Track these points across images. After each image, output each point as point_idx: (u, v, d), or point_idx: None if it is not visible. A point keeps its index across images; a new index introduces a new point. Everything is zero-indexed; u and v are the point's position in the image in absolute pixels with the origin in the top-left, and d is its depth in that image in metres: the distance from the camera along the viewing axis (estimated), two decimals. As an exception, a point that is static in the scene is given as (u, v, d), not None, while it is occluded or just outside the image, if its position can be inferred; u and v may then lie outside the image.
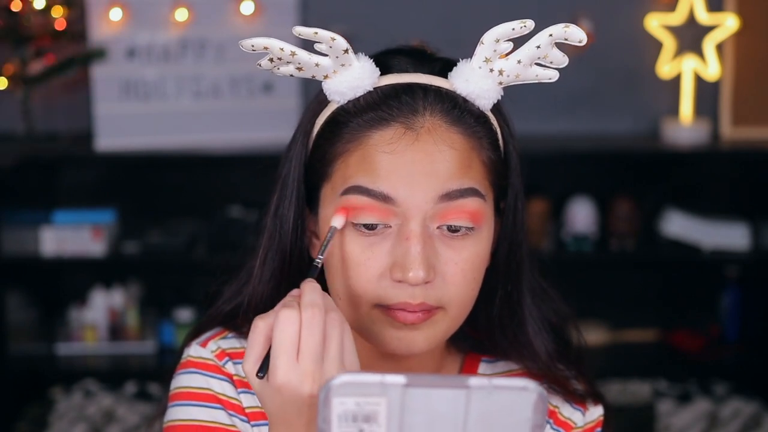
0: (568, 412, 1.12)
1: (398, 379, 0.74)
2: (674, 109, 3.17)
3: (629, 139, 3.15)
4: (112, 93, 3.00)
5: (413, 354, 1.01)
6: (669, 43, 3.09)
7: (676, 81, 3.14)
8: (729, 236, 3.06)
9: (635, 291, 3.28)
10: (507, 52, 1.00)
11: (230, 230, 2.96)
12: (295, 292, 0.93)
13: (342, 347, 0.89)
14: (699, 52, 3.09)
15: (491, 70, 1.00)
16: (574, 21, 3.08)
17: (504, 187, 1.05)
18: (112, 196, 3.19)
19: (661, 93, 3.19)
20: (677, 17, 3.08)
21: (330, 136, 1.01)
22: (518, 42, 1.00)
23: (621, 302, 3.26)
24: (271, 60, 0.99)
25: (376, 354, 1.05)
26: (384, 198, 0.97)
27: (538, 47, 0.99)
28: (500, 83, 1.01)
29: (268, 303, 1.05)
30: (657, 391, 2.96)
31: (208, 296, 1.15)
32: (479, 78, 1.00)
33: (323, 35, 0.96)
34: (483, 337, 1.11)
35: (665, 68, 3.11)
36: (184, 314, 3.09)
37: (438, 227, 0.98)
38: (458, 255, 0.98)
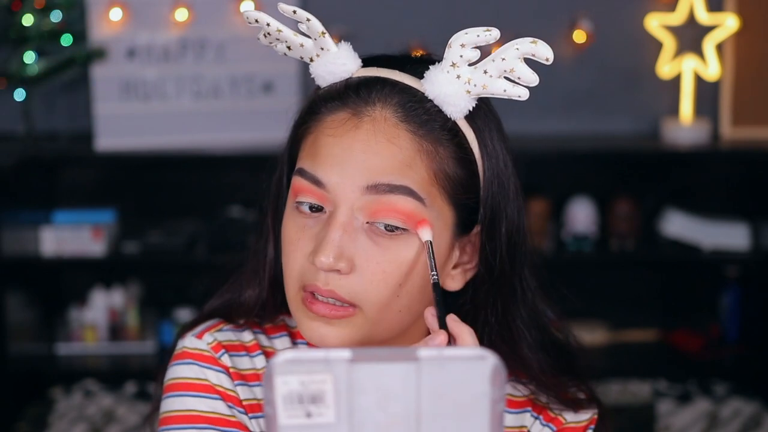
0: (558, 408, 1.10)
1: (343, 353, 0.70)
2: (674, 109, 3.17)
3: (629, 139, 3.15)
4: (112, 93, 3.00)
5: (335, 346, 0.98)
6: (669, 43, 3.09)
7: (676, 81, 3.14)
8: (729, 236, 3.06)
9: (635, 291, 3.28)
10: (474, 60, 0.97)
11: (230, 230, 2.96)
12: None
13: None
14: (699, 52, 3.09)
15: (458, 77, 0.97)
16: (574, 21, 3.09)
17: (473, 207, 1.02)
18: (112, 196, 3.19)
19: (661, 93, 3.19)
20: (677, 17, 3.08)
21: (303, 119, 1.03)
22: (485, 51, 0.98)
23: (621, 302, 3.26)
24: (265, 36, 1.01)
25: None
26: (317, 182, 0.97)
27: (504, 60, 0.96)
28: (468, 92, 0.98)
29: (262, 298, 1.08)
30: (657, 391, 2.96)
31: (207, 296, 1.16)
32: (445, 82, 0.98)
33: (300, 14, 0.99)
34: None
35: (665, 68, 3.11)
36: (184, 314, 3.09)
37: (368, 222, 0.97)
38: (382, 254, 0.96)
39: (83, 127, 3.11)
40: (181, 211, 3.19)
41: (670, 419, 2.91)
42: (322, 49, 1.01)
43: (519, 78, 0.97)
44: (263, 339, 1.10)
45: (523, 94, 0.98)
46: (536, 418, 1.10)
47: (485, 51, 0.98)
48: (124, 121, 3.01)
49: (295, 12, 0.99)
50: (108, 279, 3.19)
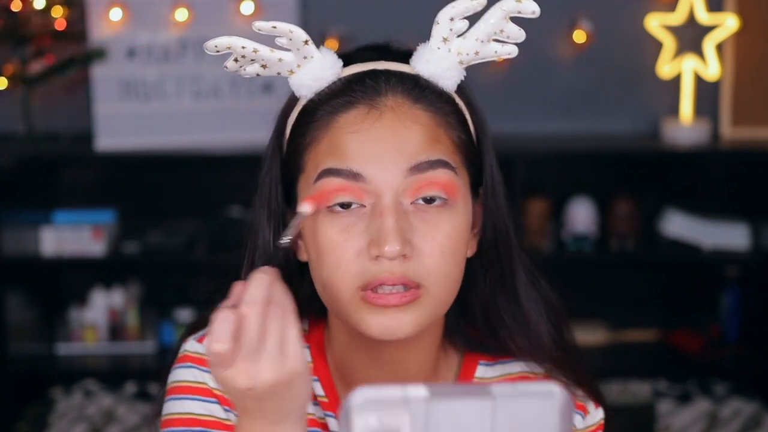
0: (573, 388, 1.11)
1: (420, 391, 0.71)
2: (674, 109, 3.17)
3: (629, 139, 3.15)
4: (112, 93, 3.00)
5: (400, 339, 0.99)
6: (669, 43, 3.09)
7: (676, 81, 3.14)
8: (729, 236, 3.06)
9: (635, 291, 3.28)
10: (463, 31, 1.00)
11: (230, 230, 2.96)
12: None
13: (283, 339, 0.89)
14: (699, 52, 3.09)
15: (450, 50, 1.00)
16: (574, 21, 3.09)
17: (479, 168, 1.06)
18: (112, 196, 3.19)
19: (661, 93, 3.19)
20: (677, 17, 3.08)
21: (300, 129, 1.03)
22: (473, 20, 1.00)
23: (621, 302, 3.26)
24: (236, 60, 1.00)
25: (368, 359, 1.06)
26: (354, 176, 0.97)
27: (493, 23, 0.99)
28: (461, 62, 1.01)
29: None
30: (657, 391, 2.97)
31: (207, 296, 1.15)
32: (439, 58, 1.01)
33: (282, 28, 0.98)
34: (483, 330, 1.10)
35: (665, 68, 3.11)
36: (184, 314, 3.09)
37: (412, 202, 0.98)
38: (434, 229, 0.98)
39: (83, 127, 3.11)
40: (181, 211, 3.19)
41: (670, 419, 2.91)
42: (305, 57, 1.01)
43: (508, 37, 1.00)
44: None
45: (513, 51, 1.01)
46: None
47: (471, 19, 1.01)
48: (124, 121, 3.01)
49: (275, 27, 0.98)
50: (108, 279, 3.19)
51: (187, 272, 3.11)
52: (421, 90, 1.01)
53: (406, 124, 0.99)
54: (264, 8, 3.00)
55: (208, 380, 1.06)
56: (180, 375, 1.08)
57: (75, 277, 3.23)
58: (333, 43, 3.03)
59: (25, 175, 3.01)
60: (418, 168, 0.98)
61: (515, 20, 1.00)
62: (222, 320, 0.88)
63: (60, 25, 2.99)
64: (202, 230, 3.10)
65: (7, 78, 2.98)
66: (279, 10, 3.00)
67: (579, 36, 3.07)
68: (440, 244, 0.98)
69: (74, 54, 2.99)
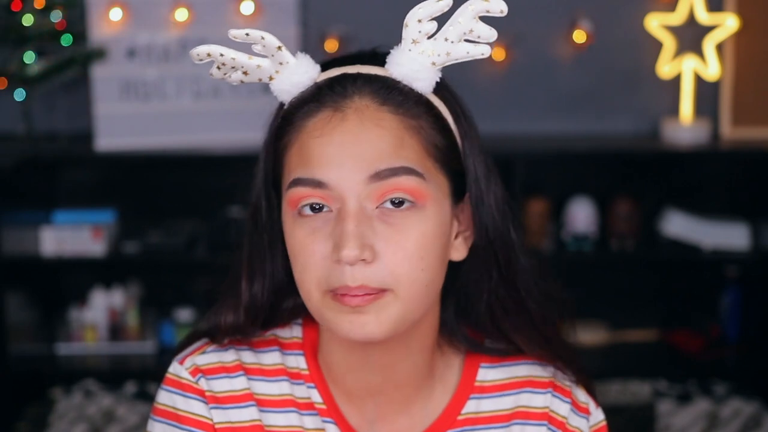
0: (576, 422, 1.12)
1: None
2: (674, 109, 3.17)
3: (629, 139, 3.15)
4: (112, 93, 3.00)
5: (370, 340, 1.00)
6: (669, 43, 3.09)
7: (676, 81, 3.14)
8: (729, 236, 3.06)
9: (635, 291, 3.28)
10: (432, 32, 1.01)
11: (230, 230, 2.96)
12: None
13: None
14: (699, 52, 3.09)
15: (421, 52, 1.01)
16: (574, 21, 3.09)
17: (461, 172, 1.05)
18: (112, 196, 3.19)
19: (661, 93, 3.19)
20: (677, 17, 3.08)
21: (279, 134, 1.04)
22: (441, 21, 1.01)
23: (621, 302, 3.26)
24: (219, 67, 1.01)
25: (358, 363, 1.07)
26: (318, 184, 0.98)
27: (461, 22, 1.00)
28: (433, 63, 1.01)
29: (237, 322, 1.10)
30: (657, 391, 2.96)
31: (210, 298, 1.16)
32: (410, 60, 1.01)
33: (254, 35, 0.98)
34: (491, 332, 1.10)
35: (665, 68, 3.11)
36: (184, 314, 3.09)
37: (377, 206, 0.99)
38: (400, 233, 0.98)
39: (83, 127, 3.11)
40: (181, 211, 3.19)
41: (670, 419, 2.91)
42: (281, 63, 1.01)
43: (479, 37, 1.00)
44: (248, 356, 1.11)
45: (486, 51, 1.01)
46: (555, 396, 1.12)
47: (440, 21, 1.01)
48: (124, 121, 3.01)
49: (247, 34, 0.98)
50: (108, 279, 3.19)
51: (187, 272, 3.11)
52: (388, 91, 1.01)
53: (368, 128, 0.99)
54: (264, 8, 3.00)
55: (179, 404, 1.08)
56: (161, 397, 1.11)
57: (75, 277, 3.23)
58: (333, 43, 3.04)
59: (25, 175, 3.01)
60: (379, 175, 0.98)
61: (486, 20, 1.00)
62: None
63: (60, 25, 2.99)
64: (202, 230, 3.10)
65: (7, 78, 2.98)
66: (279, 10, 3.00)
67: (579, 36, 3.07)
68: (405, 248, 0.98)
69: (74, 54, 2.99)
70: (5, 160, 2.90)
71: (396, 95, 1.01)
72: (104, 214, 3.07)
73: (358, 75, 1.02)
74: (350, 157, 0.98)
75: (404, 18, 1.01)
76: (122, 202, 3.17)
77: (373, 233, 0.98)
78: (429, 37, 1.01)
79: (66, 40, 2.99)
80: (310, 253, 0.99)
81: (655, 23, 3.09)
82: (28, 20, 2.96)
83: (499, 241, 1.07)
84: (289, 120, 1.02)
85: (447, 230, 1.03)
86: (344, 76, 1.02)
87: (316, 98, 1.01)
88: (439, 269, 1.02)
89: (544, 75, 3.16)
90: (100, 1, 2.97)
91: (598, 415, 1.14)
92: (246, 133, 3.00)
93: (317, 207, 0.99)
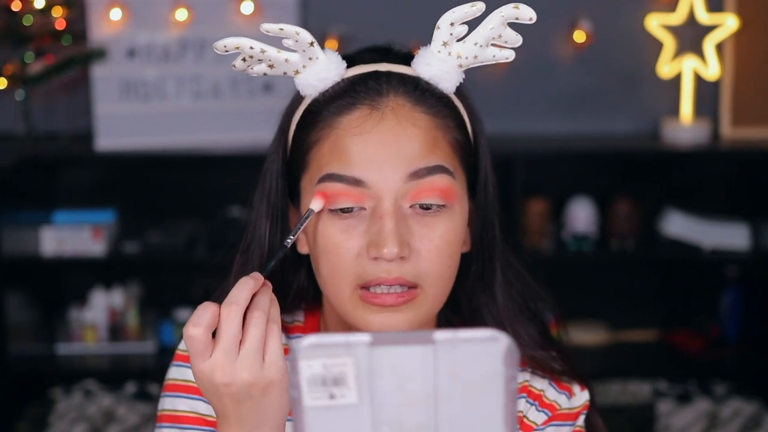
0: (553, 395, 1.14)
1: (363, 337, 0.73)
2: (674, 109, 3.17)
3: (629, 139, 3.15)
4: (112, 93, 3.00)
5: None
6: (669, 43, 3.09)
7: (676, 81, 3.14)
8: (729, 236, 3.06)
9: (635, 291, 3.28)
10: (463, 35, 1.03)
11: (230, 230, 2.96)
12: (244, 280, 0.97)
13: (263, 346, 0.94)
14: (699, 52, 3.09)
15: (450, 54, 1.03)
16: (574, 21, 3.09)
17: (475, 167, 1.09)
18: (112, 196, 3.19)
19: (661, 93, 3.19)
20: (677, 17, 3.08)
21: (305, 128, 1.06)
22: (472, 25, 1.03)
23: (621, 302, 3.26)
24: (244, 59, 1.02)
25: None
26: (356, 182, 1.01)
27: (492, 28, 1.02)
28: (460, 65, 1.04)
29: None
30: (657, 391, 2.96)
31: (207, 296, 1.16)
32: (439, 61, 1.04)
33: (288, 30, 1.00)
34: (471, 325, 1.12)
35: (665, 68, 3.11)
36: (184, 314, 3.09)
37: (411, 206, 1.02)
38: (432, 232, 1.02)
39: (83, 127, 3.11)
40: (181, 211, 3.19)
41: (670, 419, 2.91)
42: (310, 59, 1.03)
43: (506, 42, 1.03)
44: None
45: (510, 56, 1.04)
46: (532, 404, 1.14)
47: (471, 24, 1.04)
48: (124, 121, 3.01)
49: (282, 29, 1.00)
50: (108, 279, 3.19)
51: (187, 272, 3.11)
52: (421, 92, 1.04)
53: (406, 128, 1.02)
54: (264, 8, 3.00)
55: (189, 377, 1.10)
56: (170, 373, 1.13)
57: (75, 277, 3.23)
58: (333, 43, 3.03)
59: (25, 175, 3.01)
60: (417, 174, 1.01)
61: (513, 26, 1.03)
62: (201, 309, 0.94)
63: (60, 25, 2.99)
64: (202, 230, 3.10)
65: (7, 78, 2.98)
66: (279, 10, 3.00)
67: (579, 36, 3.07)
68: (437, 246, 1.02)
69: (74, 54, 2.99)
70: (5, 160, 2.90)
71: (428, 96, 1.04)
72: (104, 214, 3.07)
73: (390, 73, 1.05)
74: (389, 155, 1.01)
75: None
76: (122, 202, 3.17)
77: (408, 231, 1.01)
78: (458, 40, 1.03)
79: (66, 40, 2.99)
80: (345, 250, 1.02)
81: (655, 23, 3.09)
82: (28, 20, 2.96)
83: (486, 238, 1.12)
84: (318, 114, 1.05)
85: (466, 224, 1.07)
86: (376, 73, 1.05)
87: (349, 95, 1.03)
88: (457, 264, 1.06)
89: (544, 75, 3.16)
90: (100, 1, 2.97)
91: (582, 397, 1.15)
92: (246, 133, 3.00)
93: (347, 210, 1.02)
